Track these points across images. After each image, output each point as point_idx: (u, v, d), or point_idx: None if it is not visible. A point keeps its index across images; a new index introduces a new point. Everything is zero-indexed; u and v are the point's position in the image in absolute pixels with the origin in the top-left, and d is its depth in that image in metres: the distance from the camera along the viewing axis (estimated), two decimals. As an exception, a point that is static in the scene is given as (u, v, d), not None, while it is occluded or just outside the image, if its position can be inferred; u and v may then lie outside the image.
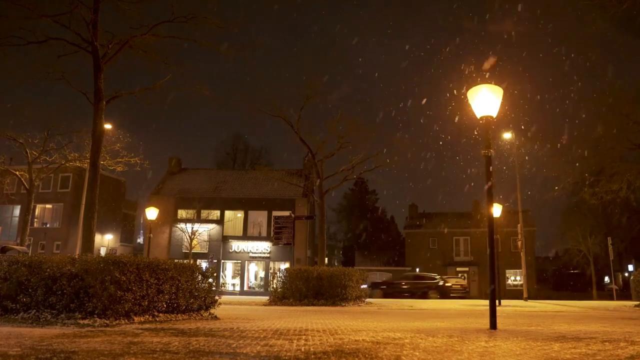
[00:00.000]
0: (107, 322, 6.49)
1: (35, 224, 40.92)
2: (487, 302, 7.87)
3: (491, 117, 6.62)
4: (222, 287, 36.62)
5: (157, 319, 7.35)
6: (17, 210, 41.80)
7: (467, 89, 6.81)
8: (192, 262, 9.16)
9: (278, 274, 16.18)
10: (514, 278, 45.10)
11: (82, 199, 20.07)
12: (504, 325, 6.89)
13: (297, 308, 12.70)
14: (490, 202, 6.62)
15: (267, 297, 16.52)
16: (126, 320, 6.84)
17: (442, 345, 4.46)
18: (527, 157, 25.86)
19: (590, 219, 44.67)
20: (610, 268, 28.17)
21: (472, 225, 46.00)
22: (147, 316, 7.34)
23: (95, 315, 6.63)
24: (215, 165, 56.30)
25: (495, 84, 6.75)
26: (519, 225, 23.91)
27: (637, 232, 46.86)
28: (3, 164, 28.65)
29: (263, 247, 39.68)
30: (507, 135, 25.28)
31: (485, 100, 6.60)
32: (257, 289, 39.27)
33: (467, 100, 6.79)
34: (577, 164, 22.85)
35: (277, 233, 18.97)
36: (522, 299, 23.00)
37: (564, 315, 10.39)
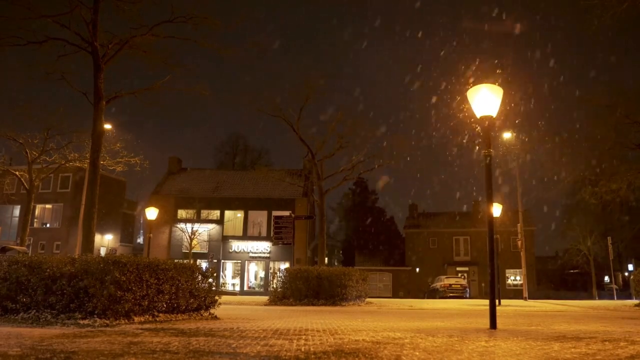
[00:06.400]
0: (107, 322, 6.48)
1: (35, 224, 40.93)
2: (487, 302, 7.88)
3: (491, 116, 6.61)
4: (222, 287, 36.62)
5: (157, 319, 7.35)
6: (17, 211, 41.82)
7: (468, 89, 6.81)
8: (192, 262, 9.16)
9: (278, 274, 16.16)
10: (514, 278, 45.13)
11: (82, 199, 20.05)
12: (504, 325, 6.88)
13: (297, 308, 12.69)
14: (490, 202, 6.60)
15: (267, 297, 16.51)
16: (126, 320, 6.83)
17: (442, 345, 4.46)
18: (527, 156, 25.84)
19: (590, 218, 44.68)
20: (610, 267, 28.21)
21: (472, 225, 46.00)
22: (147, 316, 7.33)
23: (95, 316, 6.62)
24: (215, 165, 56.37)
25: (498, 84, 6.74)
26: (519, 225, 23.90)
27: (637, 232, 46.87)
28: (3, 164, 28.66)
29: (263, 247, 39.69)
30: (507, 135, 25.24)
31: (485, 100, 6.58)
32: (257, 289, 39.29)
33: (467, 99, 6.78)
34: (577, 164, 22.88)
35: (277, 233, 18.95)
36: (522, 298, 22.99)
37: (564, 314, 10.40)
